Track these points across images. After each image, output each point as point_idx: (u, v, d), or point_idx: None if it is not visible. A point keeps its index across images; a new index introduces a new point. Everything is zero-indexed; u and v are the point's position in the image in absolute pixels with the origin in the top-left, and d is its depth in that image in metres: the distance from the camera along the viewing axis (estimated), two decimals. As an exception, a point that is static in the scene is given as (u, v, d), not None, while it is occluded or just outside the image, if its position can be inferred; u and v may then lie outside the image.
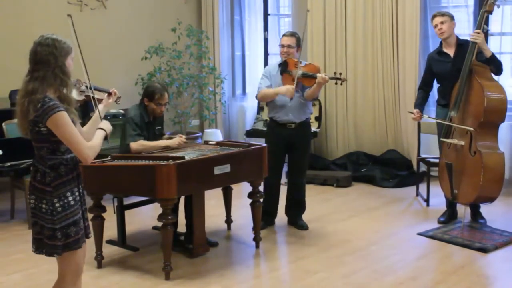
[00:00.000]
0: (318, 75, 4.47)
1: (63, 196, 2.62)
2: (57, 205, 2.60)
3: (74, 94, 2.86)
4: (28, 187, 2.69)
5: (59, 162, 2.62)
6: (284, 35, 4.77)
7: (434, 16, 4.80)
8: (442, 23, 4.72)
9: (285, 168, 5.01)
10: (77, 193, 2.69)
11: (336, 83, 4.60)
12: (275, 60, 7.65)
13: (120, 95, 3.30)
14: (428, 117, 4.94)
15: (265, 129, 6.99)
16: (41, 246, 2.66)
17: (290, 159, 4.87)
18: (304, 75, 4.53)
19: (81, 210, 2.73)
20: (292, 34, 4.74)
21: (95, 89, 3.06)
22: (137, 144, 4.18)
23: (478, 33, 4.43)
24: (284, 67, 4.64)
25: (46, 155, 2.61)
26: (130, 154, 4.07)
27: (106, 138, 2.82)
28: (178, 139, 4.35)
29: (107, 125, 2.84)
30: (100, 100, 3.08)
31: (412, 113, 4.91)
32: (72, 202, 2.65)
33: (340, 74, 4.58)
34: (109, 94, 3.17)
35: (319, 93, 4.71)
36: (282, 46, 4.70)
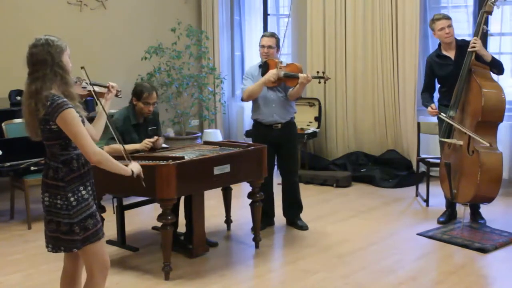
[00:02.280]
0: (301, 75, 4.47)
1: (77, 190, 2.66)
2: (72, 199, 2.63)
3: (78, 90, 2.91)
4: (41, 186, 2.71)
5: (71, 157, 2.66)
6: (264, 35, 4.77)
7: (438, 19, 4.73)
8: (449, 26, 4.70)
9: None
10: (89, 187, 2.73)
11: (319, 82, 4.61)
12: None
13: (119, 88, 3.31)
14: (445, 117, 4.78)
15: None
16: (58, 243, 2.69)
17: (279, 160, 4.87)
18: (286, 76, 4.53)
19: (94, 204, 2.76)
20: (272, 35, 4.74)
21: (95, 84, 3.11)
22: (108, 147, 4.20)
23: (476, 41, 4.45)
24: (265, 68, 4.64)
25: (58, 152, 2.65)
26: (129, 154, 4.06)
27: (139, 179, 2.96)
28: (146, 141, 4.30)
29: (136, 167, 2.93)
30: (102, 94, 3.14)
31: (429, 106, 4.77)
32: (86, 196, 2.69)
33: (323, 72, 4.59)
34: (108, 88, 3.20)
35: (302, 92, 4.71)
36: (262, 46, 4.69)
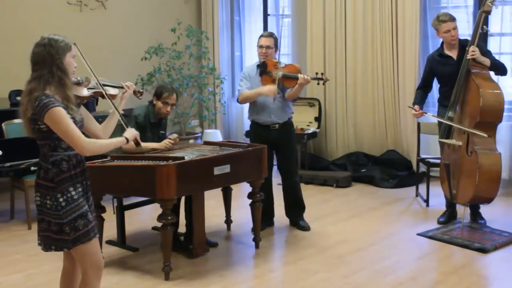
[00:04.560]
0: (300, 76, 4.46)
1: (66, 191, 2.65)
2: (61, 199, 2.63)
3: (83, 91, 2.89)
4: (34, 186, 2.72)
5: (61, 158, 2.66)
6: (262, 35, 4.75)
7: (444, 21, 4.69)
8: (454, 28, 4.68)
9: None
10: (80, 189, 2.72)
11: (318, 83, 4.58)
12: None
13: (138, 89, 3.32)
14: (432, 116, 4.87)
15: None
16: (49, 243, 2.70)
17: (278, 160, 4.87)
18: (285, 76, 4.52)
19: (87, 205, 2.75)
20: (270, 35, 4.72)
21: (107, 85, 3.08)
22: (129, 144, 4.21)
23: (474, 51, 4.44)
24: (263, 68, 4.62)
25: (48, 152, 2.66)
26: (130, 155, 4.08)
27: (137, 144, 2.96)
28: (166, 142, 4.34)
29: (130, 133, 2.93)
30: (113, 96, 3.08)
31: (413, 108, 4.83)
32: (76, 196, 2.68)
33: (322, 74, 4.56)
34: (123, 88, 3.18)
35: (300, 93, 4.70)
36: (261, 47, 4.68)
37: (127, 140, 2.89)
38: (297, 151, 4.99)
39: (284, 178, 4.89)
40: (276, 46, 4.71)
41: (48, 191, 2.64)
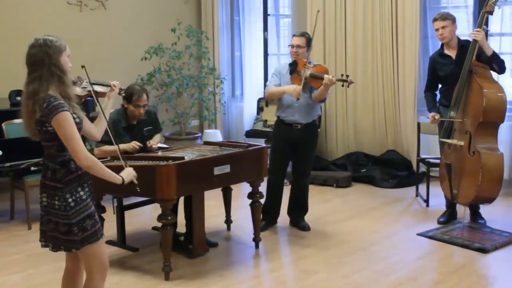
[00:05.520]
0: (325, 76, 4.44)
1: (75, 191, 2.65)
2: (70, 200, 2.63)
3: (77, 91, 2.89)
4: (39, 187, 2.72)
5: (69, 159, 2.65)
6: (294, 35, 4.75)
7: (435, 19, 4.74)
8: (443, 27, 4.68)
9: (288, 169, 5.03)
10: (87, 189, 2.73)
11: (342, 85, 4.54)
12: (274, 60, 7.72)
13: (122, 86, 3.30)
14: (441, 118, 4.74)
15: (264, 129, 7.04)
16: (58, 243, 2.69)
17: (294, 160, 4.85)
18: (311, 76, 4.51)
19: (93, 204, 2.76)
20: (302, 34, 4.71)
21: (96, 84, 3.09)
22: (98, 150, 4.26)
23: (478, 31, 4.43)
24: (293, 67, 4.62)
25: (55, 153, 2.65)
26: (129, 155, 4.08)
27: (134, 185, 2.91)
28: (132, 144, 4.32)
29: (127, 174, 2.87)
30: (103, 94, 3.11)
31: (431, 114, 4.73)
32: (84, 196, 2.68)
33: (347, 76, 4.50)
34: (110, 86, 3.17)
35: (327, 95, 4.67)
36: (292, 46, 4.68)
37: (123, 181, 2.82)
38: (314, 154, 4.94)
39: (296, 178, 4.88)
40: (308, 45, 4.69)
41: (56, 192, 2.63)
